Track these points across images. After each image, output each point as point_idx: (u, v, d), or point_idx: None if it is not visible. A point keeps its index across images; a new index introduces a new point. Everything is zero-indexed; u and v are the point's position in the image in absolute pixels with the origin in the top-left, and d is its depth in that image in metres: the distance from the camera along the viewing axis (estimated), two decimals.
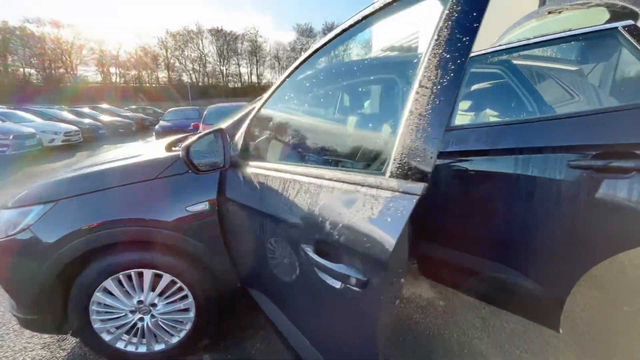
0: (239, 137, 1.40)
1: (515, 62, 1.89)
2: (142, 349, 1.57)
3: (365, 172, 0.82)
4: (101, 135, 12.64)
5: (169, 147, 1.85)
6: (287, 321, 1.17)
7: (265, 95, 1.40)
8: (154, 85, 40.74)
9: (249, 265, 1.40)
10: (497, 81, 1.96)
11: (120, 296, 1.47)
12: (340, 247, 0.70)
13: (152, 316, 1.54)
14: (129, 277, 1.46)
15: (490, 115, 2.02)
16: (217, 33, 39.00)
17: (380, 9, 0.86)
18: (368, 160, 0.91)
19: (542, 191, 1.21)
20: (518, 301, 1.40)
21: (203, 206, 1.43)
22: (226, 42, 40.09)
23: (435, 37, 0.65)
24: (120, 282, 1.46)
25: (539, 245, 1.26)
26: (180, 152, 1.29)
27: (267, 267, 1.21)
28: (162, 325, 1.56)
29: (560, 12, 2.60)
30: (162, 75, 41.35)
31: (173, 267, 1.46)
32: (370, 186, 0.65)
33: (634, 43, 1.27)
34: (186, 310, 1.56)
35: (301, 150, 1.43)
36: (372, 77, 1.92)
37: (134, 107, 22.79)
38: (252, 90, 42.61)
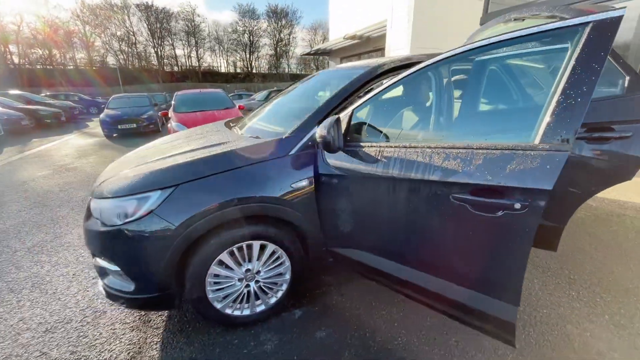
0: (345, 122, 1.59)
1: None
2: (247, 312, 1.80)
3: (514, 141, 1.09)
4: (25, 127, 10.77)
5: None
6: (397, 265, 1.54)
7: (385, 85, 1.54)
8: (69, 67, 34.88)
9: (349, 229, 1.72)
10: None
11: (233, 267, 1.68)
12: (498, 189, 1.06)
13: (257, 282, 1.78)
14: (240, 248, 1.67)
15: None
16: (147, 9, 34.74)
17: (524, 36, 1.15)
18: (515, 132, 1.26)
19: None
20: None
21: (304, 182, 1.69)
22: (158, 20, 36.00)
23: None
24: (232, 254, 1.66)
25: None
26: (317, 135, 1.49)
27: (377, 226, 1.56)
28: (264, 289, 1.81)
29: (523, 20, 3.30)
30: (81, 56, 35.60)
31: (276, 237, 1.71)
32: (525, 149, 1.04)
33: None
34: (283, 273, 1.83)
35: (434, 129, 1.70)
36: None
37: (48, 93, 19.47)
38: (193, 75, 39.49)
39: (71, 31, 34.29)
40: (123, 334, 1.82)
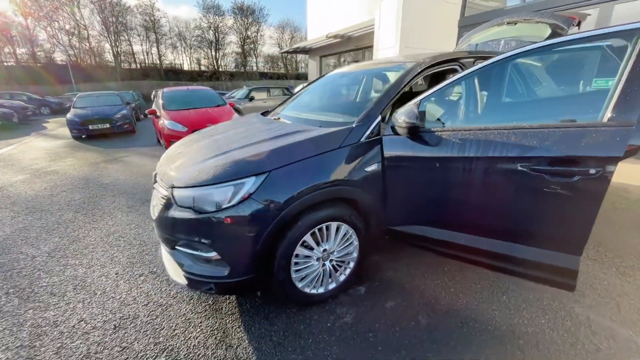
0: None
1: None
2: (321, 290, 1.93)
3: (581, 121, 1.37)
4: None
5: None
6: (467, 237, 1.75)
7: (455, 78, 1.73)
8: (8, 64, 31.05)
9: (415, 207, 1.91)
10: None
11: (314, 247, 1.79)
12: (575, 159, 1.30)
13: (331, 261, 1.91)
14: (320, 230, 1.79)
15: None
16: (100, 1, 31.89)
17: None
18: (582, 114, 1.49)
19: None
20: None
21: (375, 166, 1.86)
22: (114, 13, 33.28)
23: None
24: (313, 235, 1.78)
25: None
26: (400, 121, 1.65)
27: (448, 202, 1.77)
28: (336, 267, 1.95)
29: (515, 24, 3.73)
30: (22, 51, 31.74)
31: (349, 218, 1.86)
32: (596, 126, 1.30)
33: None
34: (352, 252, 1.98)
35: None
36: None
37: None
38: (155, 73, 37.24)
39: (9, 22, 30.50)
40: (200, 322, 1.85)
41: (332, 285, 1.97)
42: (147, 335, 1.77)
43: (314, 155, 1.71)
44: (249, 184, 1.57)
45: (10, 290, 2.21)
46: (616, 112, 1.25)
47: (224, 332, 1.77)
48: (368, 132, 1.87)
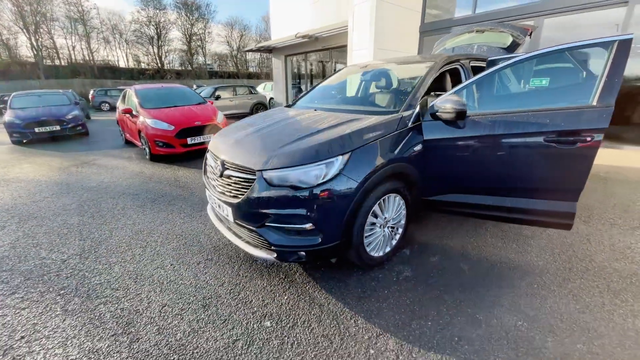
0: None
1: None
2: (380, 253, 2.28)
3: (578, 104, 1.90)
4: None
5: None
6: (492, 198, 2.26)
7: (487, 72, 2.17)
8: None
9: (451, 179, 2.35)
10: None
11: (380, 215, 2.14)
12: (577, 131, 1.84)
13: (388, 227, 2.27)
14: (383, 200, 2.14)
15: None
16: None
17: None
18: (577, 100, 2.02)
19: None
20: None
21: (419, 147, 2.26)
22: (29, 2, 28.60)
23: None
24: (379, 205, 2.12)
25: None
26: (447, 108, 2.07)
27: (479, 172, 2.24)
28: (391, 233, 2.32)
29: (483, 32, 4.48)
30: None
31: (402, 190, 2.24)
32: (589, 107, 1.85)
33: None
34: (401, 220, 2.37)
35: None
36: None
37: None
38: (87, 70, 33.16)
39: None
40: (283, 292, 2.06)
41: (387, 249, 2.33)
42: (239, 307, 1.93)
43: (381, 137, 2.05)
44: (338, 163, 1.85)
45: (62, 292, 2.13)
46: (600, 97, 1.83)
47: (309, 296, 2.02)
48: (413, 118, 2.27)
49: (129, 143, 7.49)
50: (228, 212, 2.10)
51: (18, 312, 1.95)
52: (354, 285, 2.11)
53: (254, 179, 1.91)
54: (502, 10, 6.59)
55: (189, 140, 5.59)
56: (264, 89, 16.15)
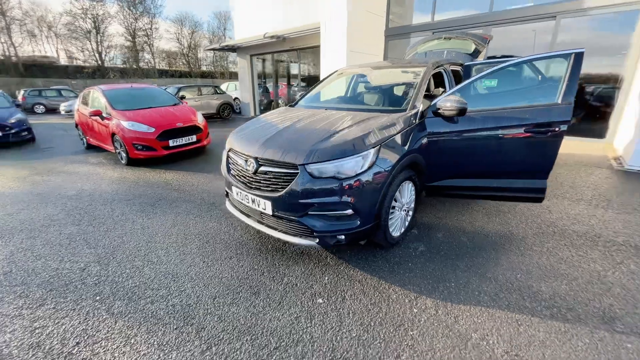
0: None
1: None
2: (398, 233, 2.61)
3: (547, 102, 2.41)
4: None
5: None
6: (482, 181, 2.72)
7: (474, 77, 2.63)
8: None
9: (449, 166, 2.76)
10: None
11: (399, 200, 2.47)
12: (549, 123, 2.34)
13: (403, 210, 2.61)
14: (401, 187, 2.47)
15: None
16: None
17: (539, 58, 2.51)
18: (546, 99, 2.55)
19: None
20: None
21: (425, 140, 2.64)
22: None
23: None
24: (399, 191, 2.44)
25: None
26: (449, 107, 2.45)
27: (470, 160, 2.69)
28: (405, 215, 2.67)
29: (450, 39, 5.08)
30: None
31: (414, 178, 2.60)
32: (555, 105, 2.38)
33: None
34: (412, 203, 2.73)
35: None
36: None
37: None
38: (10, 67, 28.78)
39: None
40: (322, 274, 2.29)
41: (402, 230, 2.67)
42: (288, 291, 2.11)
43: (400, 132, 2.38)
44: (371, 155, 2.13)
45: (98, 298, 2.10)
46: (563, 97, 2.37)
47: (347, 275, 2.27)
48: (419, 114, 2.63)
49: (92, 147, 6.92)
50: (266, 205, 2.26)
51: (58, 322, 1.90)
52: (382, 262, 2.41)
53: (296, 173, 2.11)
54: (458, 18, 7.42)
55: (171, 143, 5.42)
56: (227, 89, 15.74)
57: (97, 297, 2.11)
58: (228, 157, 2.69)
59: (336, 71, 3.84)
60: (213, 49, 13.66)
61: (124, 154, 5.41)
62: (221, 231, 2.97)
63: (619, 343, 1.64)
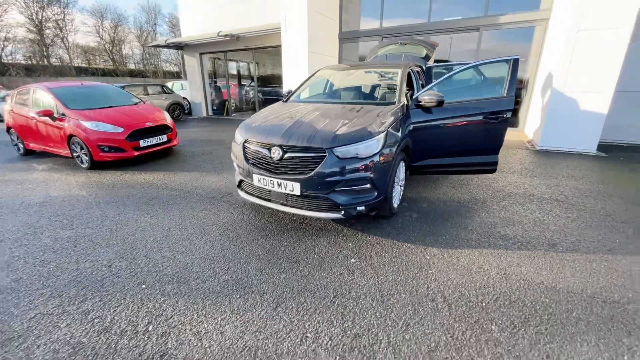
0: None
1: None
2: (396, 204, 3.15)
3: (497, 95, 3.23)
4: None
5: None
6: (452, 159, 3.43)
7: (446, 77, 3.30)
8: None
9: (427, 148, 3.40)
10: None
11: (398, 176, 3.00)
12: (500, 111, 3.14)
13: (399, 185, 3.16)
14: (399, 166, 3.01)
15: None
16: None
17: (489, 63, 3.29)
18: (494, 93, 3.33)
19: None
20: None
21: (412, 127, 3.23)
22: None
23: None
24: (398, 169, 2.98)
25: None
26: (429, 100, 3.05)
27: (442, 143, 3.37)
28: (400, 190, 3.22)
29: (405, 44, 5.88)
30: None
31: (405, 158, 3.17)
32: (502, 97, 3.15)
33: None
34: (403, 180, 3.30)
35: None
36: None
37: None
38: None
39: None
40: (346, 243, 2.69)
41: (398, 202, 3.22)
42: (323, 257, 2.46)
43: (398, 119, 2.90)
44: (382, 138, 2.60)
45: (143, 286, 2.17)
46: (507, 91, 3.18)
47: (366, 240, 2.71)
48: (405, 107, 3.21)
49: (31, 153, 6.09)
50: (294, 187, 2.57)
51: (115, 309, 1.95)
52: (389, 229, 2.91)
53: (322, 156, 2.47)
54: (402, 26, 8.43)
55: (142, 143, 5.17)
56: (172, 88, 14.79)
57: (143, 286, 2.17)
58: (244, 147, 2.90)
59: (319, 70, 4.25)
60: (158, 46, 12.76)
61: (85, 157, 4.97)
62: (236, 219, 3.14)
63: (562, 257, 2.42)
